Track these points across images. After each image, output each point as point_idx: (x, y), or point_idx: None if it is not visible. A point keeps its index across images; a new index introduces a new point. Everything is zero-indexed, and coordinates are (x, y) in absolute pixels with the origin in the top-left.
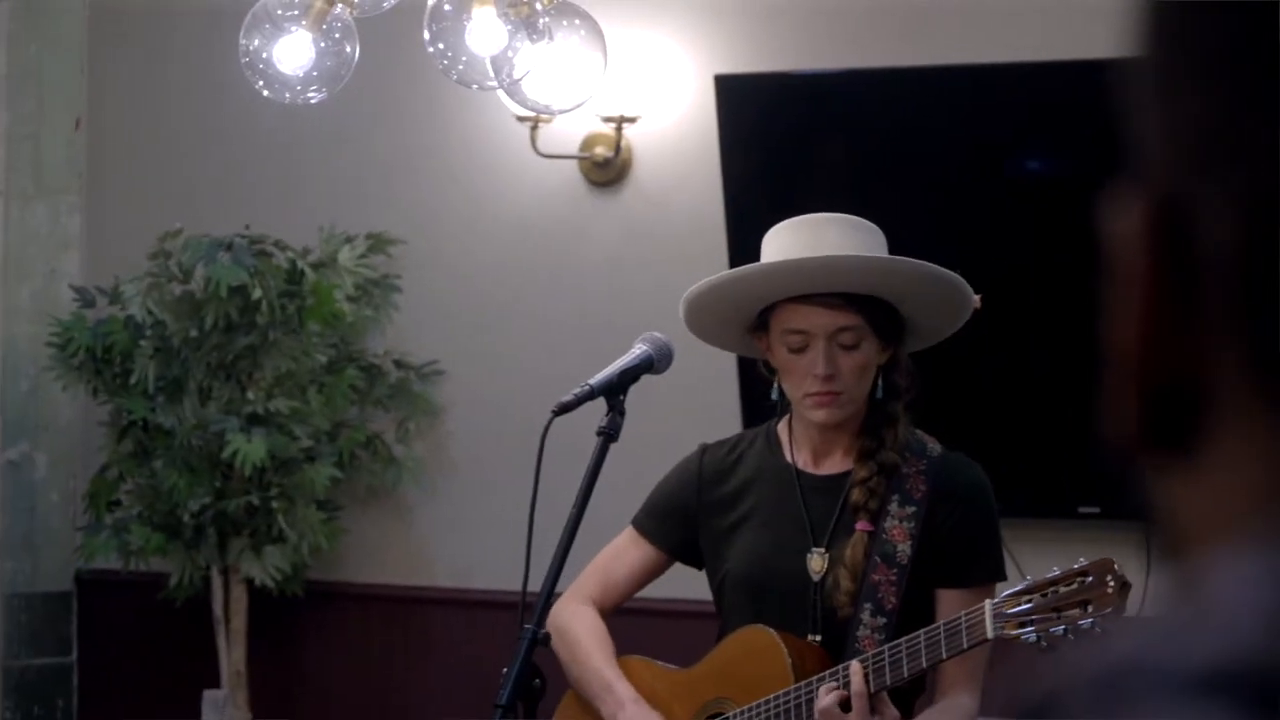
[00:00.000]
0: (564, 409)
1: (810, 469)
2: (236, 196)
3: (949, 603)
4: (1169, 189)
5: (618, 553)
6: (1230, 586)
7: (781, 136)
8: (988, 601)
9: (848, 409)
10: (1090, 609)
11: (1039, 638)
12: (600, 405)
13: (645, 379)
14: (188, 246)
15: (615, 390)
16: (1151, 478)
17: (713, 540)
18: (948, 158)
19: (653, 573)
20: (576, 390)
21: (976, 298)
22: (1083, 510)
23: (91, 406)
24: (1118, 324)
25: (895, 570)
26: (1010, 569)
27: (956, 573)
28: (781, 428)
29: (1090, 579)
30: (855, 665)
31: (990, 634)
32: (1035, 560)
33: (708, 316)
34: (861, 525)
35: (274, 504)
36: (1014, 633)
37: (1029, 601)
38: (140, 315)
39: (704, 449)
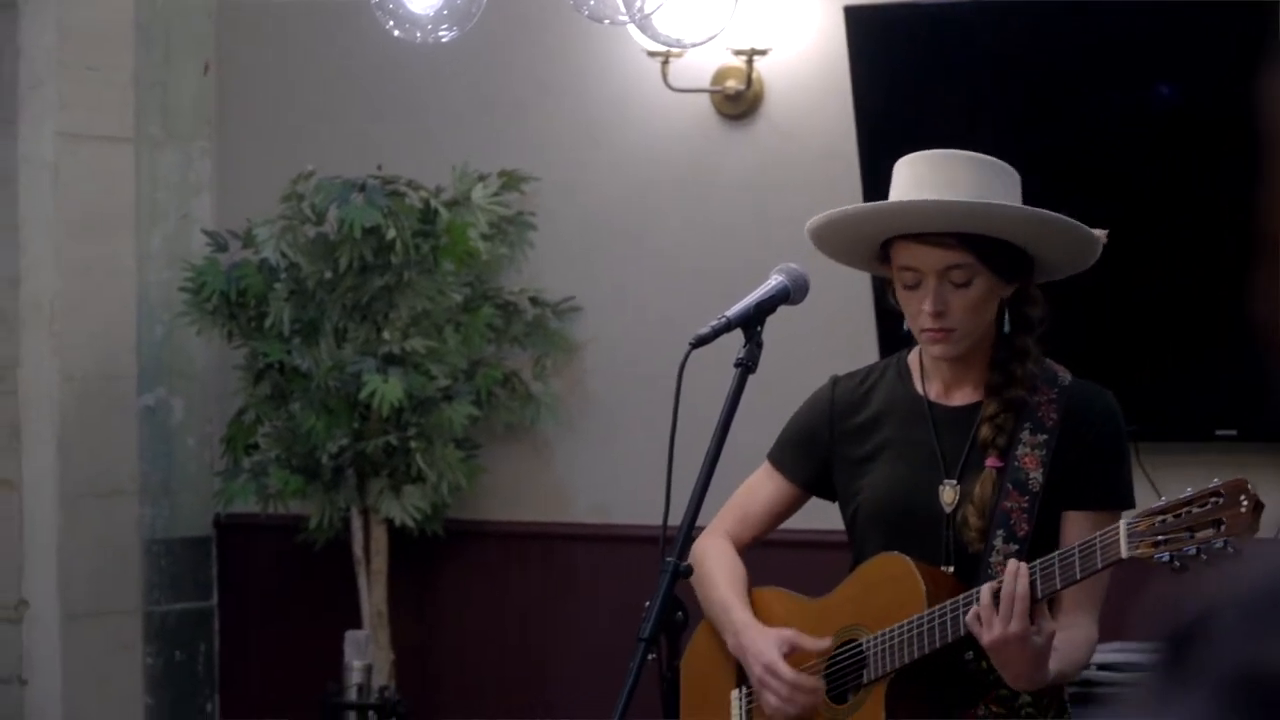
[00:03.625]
0: (701, 341)
1: (942, 400)
2: (368, 137)
3: (1075, 525)
4: None
5: (754, 487)
6: None
7: (912, 67)
8: (1123, 521)
9: (961, 345)
10: (1223, 529)
11: (1172, 558)
12: (737, 337)
13: (782, 310)
14: (320, 188)
15: (752, 321)
16: None
17: (846, 472)
18: (1080, 88)
19: (790, 506)
20: (714, 322)
21: (1103, 233)
22: (1220, 433)
23: (227, 351)
24: None
25: (1027, 497)
26: (1147, 492)
27: (1086, 497)
28: (913, 358)
29: (1223, 499)
30: (1015, 565)
31: (1125, 554)
32: (1173, 483)
33: (833, 244)
34: (991, 461)
35: (412, 444)
36: (1148, 553)
37: (1162, 522)
38: (274, 258)
39: (835, 380)
